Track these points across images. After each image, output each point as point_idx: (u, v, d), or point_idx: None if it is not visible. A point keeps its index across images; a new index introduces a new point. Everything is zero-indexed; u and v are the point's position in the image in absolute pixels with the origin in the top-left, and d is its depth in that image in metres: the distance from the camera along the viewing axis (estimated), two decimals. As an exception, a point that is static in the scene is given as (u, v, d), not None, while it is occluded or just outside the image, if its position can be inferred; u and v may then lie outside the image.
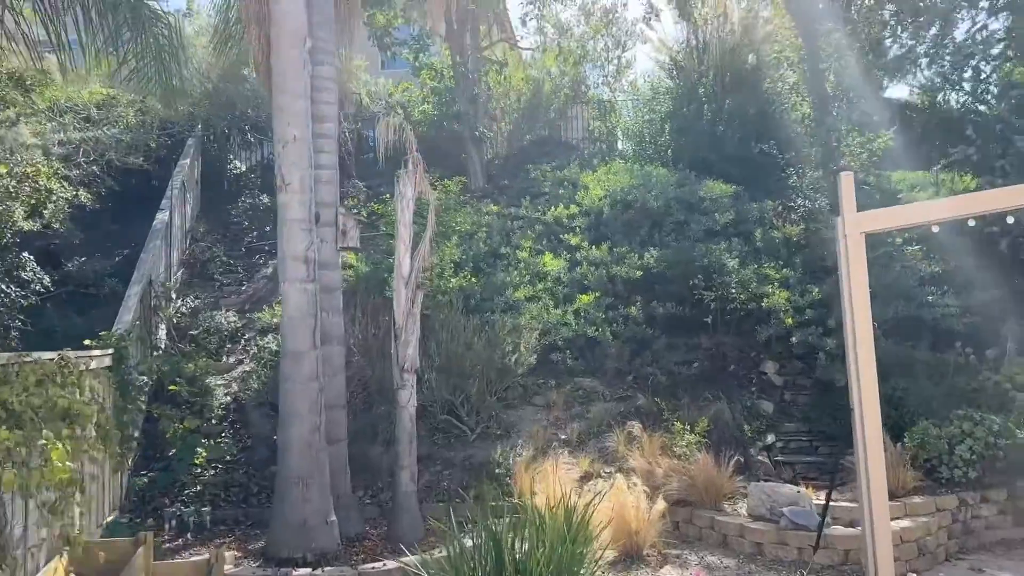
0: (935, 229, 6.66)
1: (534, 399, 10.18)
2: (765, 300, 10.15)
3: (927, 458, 7.90)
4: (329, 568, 6.40)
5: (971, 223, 6.73)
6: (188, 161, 13.74)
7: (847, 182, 6.67)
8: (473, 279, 11.07)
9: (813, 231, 11.50)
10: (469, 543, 5.08)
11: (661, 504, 7.36)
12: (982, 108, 12.12)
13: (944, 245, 10.81)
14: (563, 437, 9.41)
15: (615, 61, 18.60)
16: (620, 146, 17.47)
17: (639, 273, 11.19)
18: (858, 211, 6.67)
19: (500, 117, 17.24)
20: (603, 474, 8.52)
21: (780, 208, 12.40)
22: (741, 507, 7.80)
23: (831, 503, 7.45)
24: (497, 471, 8.52)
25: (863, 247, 6.62)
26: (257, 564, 6.72)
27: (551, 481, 7.67)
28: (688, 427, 8.68)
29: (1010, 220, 6.72)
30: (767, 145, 14.35)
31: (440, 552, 5.46)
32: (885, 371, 9.35)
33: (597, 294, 11.13)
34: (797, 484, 8.24)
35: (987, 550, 7.45)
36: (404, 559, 5.88)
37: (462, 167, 15.09)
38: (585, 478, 8.48)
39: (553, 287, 11.55)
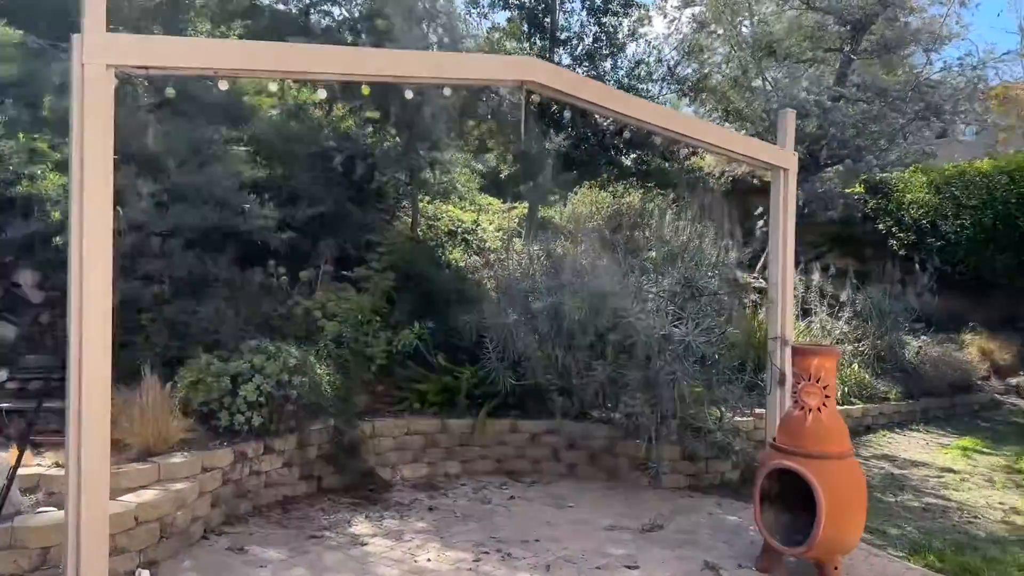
0: (223, 85, 4.70)
1: None
2: (26, 184, 7.16)
3: (205, 401, 6.10)
4: None
5: (273, 86, 5.01)
6: None
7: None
8: None
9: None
10: None
11: None
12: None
13: (276, 152, 9.38)
14: None
15: None
16: None
17: None
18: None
19: None
20: None
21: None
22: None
23: (37, 471, 5.10)
24: None
25: (111, 91, 4.30)
26: None
27: None
28: None
29: (323, 94, 5.17)
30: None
31: None
32: (179, 290, 7.41)
33: None
34: (27, 442, 5.66)
35: (263, 515, 6.01)
36: None
37: None
38: None
39: None
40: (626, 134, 10.13)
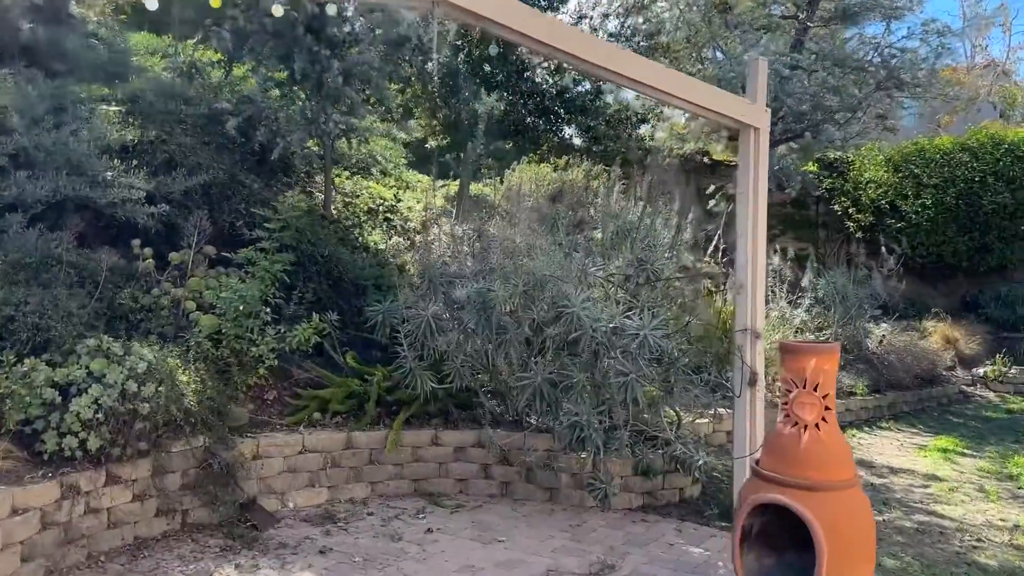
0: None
1: None
2: None
3: (26, 419, 4.69)
4: None
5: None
6: None
7: None
8: None
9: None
10: None
11: None
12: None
13: (154, 112, 7.92)
14: None
15: None
16: None
17: None
18: None
19: None
20: None
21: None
22: None
23: None
24: None
25: None
26: None
27: None
28: None
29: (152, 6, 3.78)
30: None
31: None
32: (12, 275, 5.93)
33: None
34: None
35: (100, 566, 4.62)
36: None
37: None
38: None
39: None
40: (570, 84, 8.92)
